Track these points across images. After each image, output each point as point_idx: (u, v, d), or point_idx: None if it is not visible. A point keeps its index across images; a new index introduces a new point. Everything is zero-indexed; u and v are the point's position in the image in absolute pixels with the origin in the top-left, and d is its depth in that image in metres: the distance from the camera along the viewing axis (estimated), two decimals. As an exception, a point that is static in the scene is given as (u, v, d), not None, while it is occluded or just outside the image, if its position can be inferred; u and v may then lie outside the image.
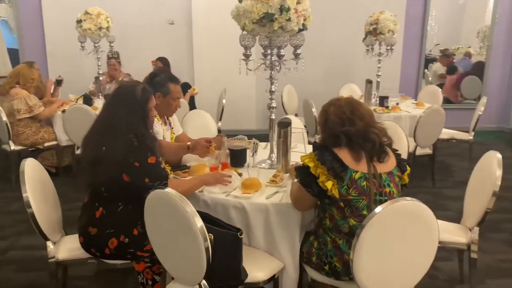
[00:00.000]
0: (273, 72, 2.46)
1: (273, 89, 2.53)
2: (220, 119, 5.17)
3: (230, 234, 1.79)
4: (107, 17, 5.04)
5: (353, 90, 5.87)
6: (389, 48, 5.07)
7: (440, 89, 5.88)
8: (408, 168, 1.98)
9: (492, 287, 2.64)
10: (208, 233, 1.65)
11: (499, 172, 2.18)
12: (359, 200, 1.80)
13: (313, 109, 4.52)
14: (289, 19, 2.17)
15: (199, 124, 3.50)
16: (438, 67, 8.14)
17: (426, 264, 1.74)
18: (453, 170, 5.05)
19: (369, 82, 5.05)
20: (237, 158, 2.47)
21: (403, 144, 3.10)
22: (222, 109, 5.16)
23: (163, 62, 5.50)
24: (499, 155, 2.25)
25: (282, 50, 2.37)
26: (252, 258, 1.99)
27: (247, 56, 2.37)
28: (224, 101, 5.18)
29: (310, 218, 2.10)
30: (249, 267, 1.90)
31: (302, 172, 1.88)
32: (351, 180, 1.79)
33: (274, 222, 2.02)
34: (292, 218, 2.02)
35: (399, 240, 1.67)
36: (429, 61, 7.61)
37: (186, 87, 5.62)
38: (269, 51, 2.39)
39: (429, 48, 7.38)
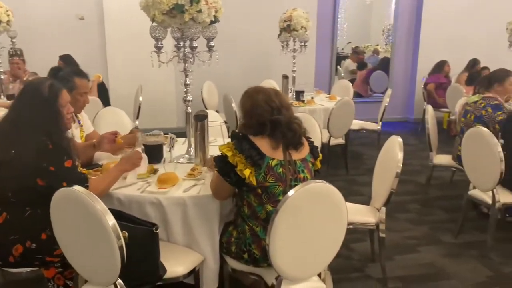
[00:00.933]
0: (187, 64, 2.44)
1: (187, 82, 2.51)
2: (138, 117, 5.00)
3: (145, 230, 1.74)
4: (7, 10, 4.63)
5: (272, 86, 5.96)
6: (302, 44, 5.27)
7: (350, 84, 6.25)
8: (320, 155, 2.08)
9: (400, 262, 2.86)
10: (122, 231, 1.59)
11: (400, 155, 2.37)
12: (276, 186, 1.86)
13: (233, 104, 4.55)
14: (200, 11, 2.16)
15: (113, 122, 3.35)
16: (349, 63, 8.63)
17: (337, 244, 1.83)
18: (365, 158, 5.40)
19: (285, 77, 5.20)
20: (153, 154, 2.41)
21: (317, 135, 3.25)
22: (139, 107, 4.99)
23: (65, 60, 5.07)
24: (400, 139, 2.45)
25: (195, 42, 2.36)
26: (171, 253, 1.96)
27: (158, 48, 2.32)
28: (140, 98, 5.01)
29: (229, 209, 2.11)
30: (168, 262, 1.86)
31: (221, 161, 1.89)
32: (268, 167, 1.84)
33: (192, 215, 2.00)
34: (211, 210, 2.02)
35: (310, 222, 1.74)
36: (341, 58, 8.06)
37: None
38: (181, 43, 2.36)
39: (342, 46, 7.79)
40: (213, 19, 2.28)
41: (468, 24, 7.35)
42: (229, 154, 1.85)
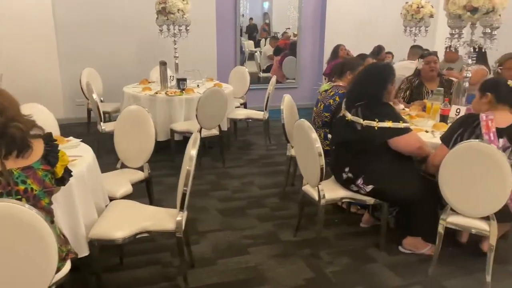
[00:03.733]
0: None
1: None
2: None
3: None
4: None
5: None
6: (181, 28, 4.93)
7: (246, 69, 6.01)
8: (66, 160, 1.79)
9: (221, 266, 2.63)
10: None
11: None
12: None
13: (94, 95, 4.19)
14: None
15: None
16: (267, 49, 8.44)
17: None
18: (252, 148, 5.20)
19: (163, 64, 4.86)
20: None
21: (150, 129, 2.92)
22: None
23: None
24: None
25: None
26: None
27: None
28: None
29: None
30: None
31: None
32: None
33: None
34: None
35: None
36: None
37: None
38: None
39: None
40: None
41: (375, 8, 7.30)
42: None
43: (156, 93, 4.66)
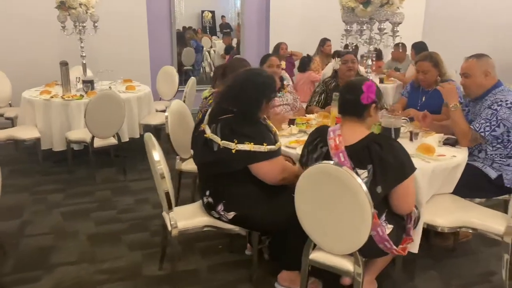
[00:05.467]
0: None
1: None
2: None
3: None
4: None
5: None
6: (85, 25, 4.45)
7: (175, 69, 5.53)
8: None
9: None
10: None
11: None
12: None
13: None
14: None
15: None
16: (220, 47, 8.01)
17: None
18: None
19: (64, 64, 4.36)
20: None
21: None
22: None
23: None
24: None
25: None
26: None
27: None
28: None
29: None
30: None
31: None
32: None
33: None
34: None
35: None
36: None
37: None
38: None
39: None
40: None
41: (320, 3, 6.89)
42: None
43: (52, 97, 4.16)
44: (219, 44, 8.07)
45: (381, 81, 5.38)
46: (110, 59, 5.55)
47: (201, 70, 8.02)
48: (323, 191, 1.80)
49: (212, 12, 7.60)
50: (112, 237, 2.94)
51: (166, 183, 2.09)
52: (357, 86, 1.88)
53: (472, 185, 2.58)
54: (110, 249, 2.79)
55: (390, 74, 5.59)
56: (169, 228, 2.21)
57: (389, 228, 1.87)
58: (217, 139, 2.09)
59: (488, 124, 2.48)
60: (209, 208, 2.25)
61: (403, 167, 1.80)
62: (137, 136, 4.47)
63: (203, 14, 7.63)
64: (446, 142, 2.63)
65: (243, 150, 2.04)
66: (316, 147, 1.94)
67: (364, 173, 1.76)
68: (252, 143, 2.03)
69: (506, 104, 2.48)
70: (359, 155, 1.79)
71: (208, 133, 2.13)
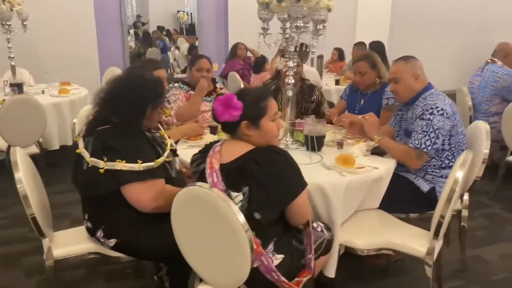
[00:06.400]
0: None
1: None
2: None
3: None
4: None
5: (24, 75, 4.78)
6: (10, 23, 4.11)
7: (119, 70, 5.21)
8: None
9: None
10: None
11: None
12: None
13: None
14: None
15: None
16: (185, 47, 7.71)
17: None
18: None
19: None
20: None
21: None
22: None
23: None
24: None
25: None
26: None
27: None
28: None
29: None
30: None
31: None
32: None
33: None
34: None
35: None
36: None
37: None
38: None
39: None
40: None
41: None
42: None
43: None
44: (184, 44, 7.80)
45: (337, 82, 5.14)
46: (56, 60, 5.26)
47: (168, 70, 7.74)
48: (195, 217, 1.52)
49: (190, 14, 7.31)
50: (13, 261, 2.62)
51: (31, 207, 1.79)
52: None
53: (404, 199, 2.34)
54: (4, 275, 2.47)
55: (347, 75, 5.35)
56: (44, 257, 1.91)
57: (278, 258, 1.59)
58: (86, 155, 1.77)
59: (427, 137, 2.22)
60: (90, 234, 1.95)
61: (287, 187, 1.52)
62: (70, 143, 4.13)
63: (178, 15, 7.36)
64: (375, 151, 2.39)
65: (112, 170, 1.71)
66: (199, 165, 1.66)
67: (238, 196, 1.48)
68: (124, 161, 1.70)
69: (438, 111, 2.24)
70: (233, 175, 1.51)
71: (81, 147, 1.82)
